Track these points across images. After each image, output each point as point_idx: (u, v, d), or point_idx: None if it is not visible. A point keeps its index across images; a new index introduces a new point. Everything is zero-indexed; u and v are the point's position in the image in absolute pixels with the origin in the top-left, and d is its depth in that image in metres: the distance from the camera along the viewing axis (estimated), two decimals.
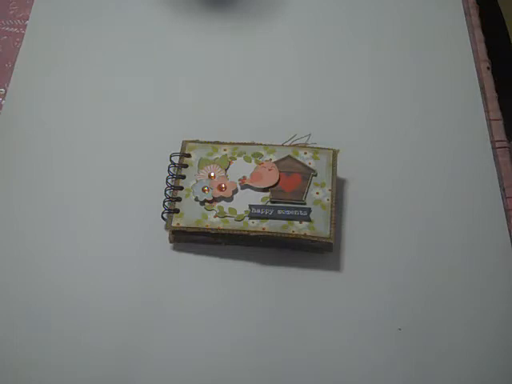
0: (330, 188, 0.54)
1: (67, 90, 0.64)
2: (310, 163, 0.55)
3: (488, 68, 0.65)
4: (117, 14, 0.69)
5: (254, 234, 0.52)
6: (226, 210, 0.53)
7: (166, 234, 0.55)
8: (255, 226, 0.52)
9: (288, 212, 0.52)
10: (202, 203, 0.54)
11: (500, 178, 0.58)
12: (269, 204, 0.53)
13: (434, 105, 0.62)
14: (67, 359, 0.50)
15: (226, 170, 0.55)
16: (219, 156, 0.56)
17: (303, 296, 0.53)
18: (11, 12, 0.70)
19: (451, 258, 0.54)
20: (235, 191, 0.54)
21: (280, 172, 0.54)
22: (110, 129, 0.61)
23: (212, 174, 0.55)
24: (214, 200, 0.54)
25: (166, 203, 0.54)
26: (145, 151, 0.60)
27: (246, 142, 0.57)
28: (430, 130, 0.61)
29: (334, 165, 0.55)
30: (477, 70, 0.65)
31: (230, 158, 0.56)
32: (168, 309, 0.52)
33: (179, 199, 0.54)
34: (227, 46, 0.67)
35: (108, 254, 0.55)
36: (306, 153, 0.56)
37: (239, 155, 0.56)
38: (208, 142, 0.57)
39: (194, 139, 0.58)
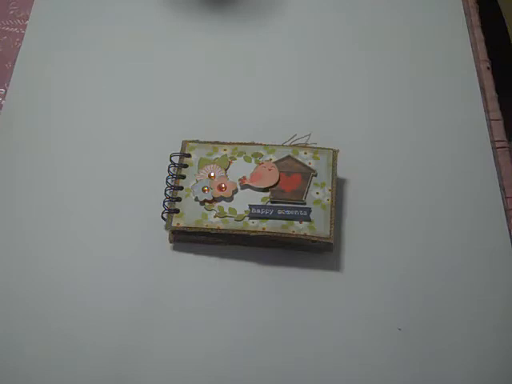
0: (330, 188, 0.54)
1: (67, 90, 0.64)
2: (310, 163, 0.55)
3: (488, 68, 0.65)
4: (117, 14, 0.69)
5: (253, 234, 0.52)
6: (226, 209, 0.53)
7: (166, 234, 0.55)
8: (255, 226, 0.52)
9: (288, 212, 0.52)
10: (202, 203, 0.54)
11: (500, 178, 0.58)
12: (269, 204, 0.53)
13: (434, 105, 0.62)
14: (67, 359, 0.50)
15: (225, 169, 0.55)
16: (219, 156, 0.56)
17: (303, 296, 0.53)
18: (11, 12, 0.70)
19: (451, 258, 0.54)
20: (235, 191, 0.54)
21: (280, 172, 0.54)
22: (110, 129, 0.61)
23: (212, 174, 0.55)
24: (214, 200, 0.54)
25: (165, 203, 0.54)
26: (145, 151, 0.60)
27: (246, 142, 0.57)
28: (430, 130, 0.61)
29: (334, 165, 0.55)
30: (477, 70, 0.65)
31: (230, 157, 0.56)
32: (168, 309, 0.52)
33: (179, 199, 0.54)
34: (227, 46, 0.67)
35: (108, 253, 0.55)
36: (305, 153, 0.56)
37: (239, 155, 0.56)
38: (208, 142, 0.57)
39: (194, 139, 0.58)
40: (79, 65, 0.66)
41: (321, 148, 0.56)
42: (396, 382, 0.49)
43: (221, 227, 0.52)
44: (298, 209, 0.52)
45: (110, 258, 0.54)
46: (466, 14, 0.68)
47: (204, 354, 0.50)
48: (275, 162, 0.55)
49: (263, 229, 0.52)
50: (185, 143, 0.58)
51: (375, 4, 0.69)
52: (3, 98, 0.64)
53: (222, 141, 0.57)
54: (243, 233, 0.52)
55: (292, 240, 0.53)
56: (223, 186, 0.54)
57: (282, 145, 0.57)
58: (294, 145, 0.57)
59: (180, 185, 0.55)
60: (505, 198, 0.57)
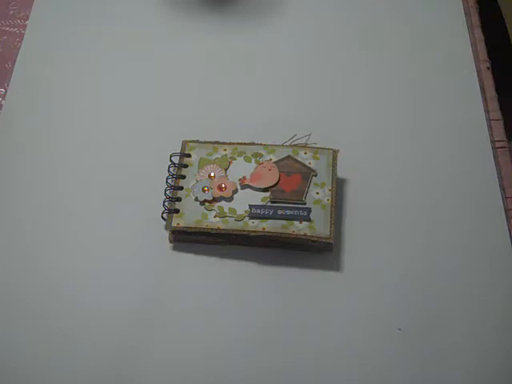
0: (330, 188, 0.54)
1: (67, 90, 0.64)
2: (310, 163, 0.55)
3: (488, 68, 0.65)
4: (117, 14, 0.69)
5: (253, 234, 0.52)
6: (226, 209, 0.53)
7: (166, 234, 0.55)
8: (255, 226, 0.52)
9: (288, 212, 0.52)
10: (202, 203, 0.54)
11: (500, 178, 0.58)
12: (269, 204, 0.53)
13: (434, 105, 0.62)
14: (67, 359, 0.50)
15: (225, 170, 0.55)
16: (219, 156, 0.56)
17: (303, 296, 0.53)
18: (11, 12, 0.70)
19: (451, 258, 0.54)
20: (235, 191, 0.54)
21: (280, 172, 0.54)
22: (110, 129, 0.61)
23: (212, 174, 0.55)
24: (214, 200, 0.54)
25: (165, 203, 0.54)
26: (145, 151, 0.60)
27: (246, 142, 0.57)
28: (430, 130, 0.61)
29: (334, 165, 0.55)
30: (477, 70, 0.65)
31: (230, 157, 0.56)
32: (168, 309, 0.52)
33: (179, 199, 0.54)
34: (227, 46, 0.67)
35: (108, 253, 0.55)
36: (305, 153, 0.56)
37: (239, 155, 0.56)
38: (208, 142, 0.57)
39: (194, 139, 0.58)
40: (79, 65, 0.66)
41: (321, 148, 0.56)
42: (396, 382, 0.49)
43: (221, 227, 0.52)
44: (297, 209, 0.52)
45: (110, 257, 0.54)
46: (466, 14, 0.68)
47: (204, 354, 0.50)
48: (275, 162, 0.55)
49: (263, 229, 0.52)
50: (185, 143, 0.58)
51: (375, 4, 0.69)
52: (3, 98, 0.64)
53: (222, 141, 0.57)
54: (243, 233, 0.52)
55: (292, 240, 0.53)
56: (223, 186, 0.54)
57: (282, 145, 0.57)
58: (294, 145, 0.57)
59: (180, 185, 0.55)
60: (505, 197, 0.57)
